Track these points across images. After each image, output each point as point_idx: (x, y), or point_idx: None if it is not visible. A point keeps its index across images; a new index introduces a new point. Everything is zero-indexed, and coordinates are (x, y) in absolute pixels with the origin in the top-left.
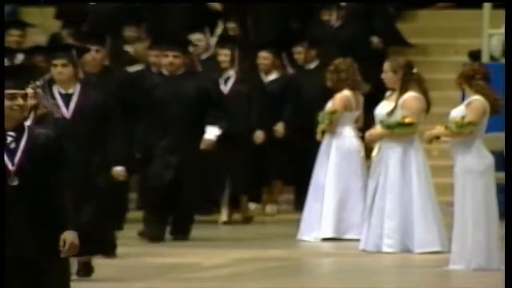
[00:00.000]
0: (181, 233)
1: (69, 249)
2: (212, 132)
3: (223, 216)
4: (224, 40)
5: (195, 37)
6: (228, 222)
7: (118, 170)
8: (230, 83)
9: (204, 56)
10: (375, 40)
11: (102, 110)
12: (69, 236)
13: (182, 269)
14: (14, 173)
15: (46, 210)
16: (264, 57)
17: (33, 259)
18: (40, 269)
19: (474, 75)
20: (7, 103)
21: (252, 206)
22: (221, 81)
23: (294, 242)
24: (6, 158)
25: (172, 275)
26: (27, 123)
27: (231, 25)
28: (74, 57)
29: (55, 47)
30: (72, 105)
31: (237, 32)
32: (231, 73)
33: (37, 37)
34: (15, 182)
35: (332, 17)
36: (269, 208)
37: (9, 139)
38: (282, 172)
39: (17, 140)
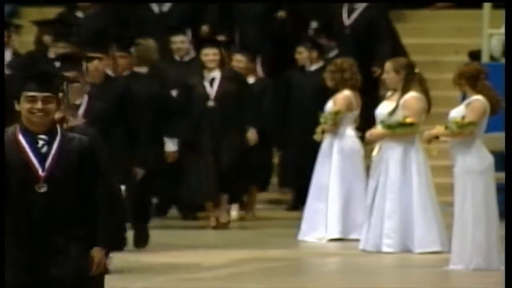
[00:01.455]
0: (143, 242)
1: (97, 268)
2: (171, 144)
3: (212, 221)
4: (211, 40)
5: (178, 39)
6: (216, 227)
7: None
8: (216, 83)
9: (186, 59)
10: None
11: (105, 123)
12: (97, 255)
13: (182, 269)
14: (43, 179)
15: (76, 221)
16: (238, 60)
17: (57, 277)
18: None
19: (479, 75)
20: (26, 105)
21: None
22: (206, 82)
23: (294, 242)
24: (36, 163)
25: (172, 275)
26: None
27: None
28: (82, 69)
29: (64, 58)
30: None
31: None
32: (217, 74)
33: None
34: (43, 189)
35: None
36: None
37: (41, 142)
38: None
39: (49, 144)
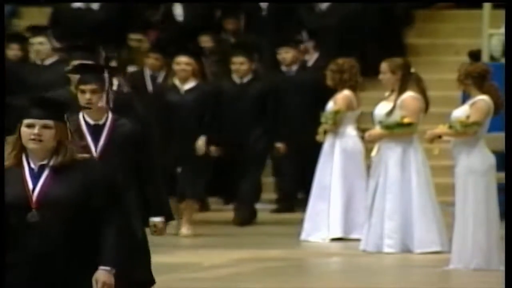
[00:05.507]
0: None
1: None
2: None
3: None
4: (80, 47)
5: (37, 40)
6: None
7: (157, 221)
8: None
9: (48, 62)
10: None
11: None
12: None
13: (182, 269)
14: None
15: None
16: (185, 62)
17: None
18: None
19: (486, 75)
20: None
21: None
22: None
23: (294, 242)
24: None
25: (172, 275)
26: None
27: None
28: (106, 80)
29: (83, 68)
30: (102, 140)
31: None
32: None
33: None
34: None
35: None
36: (184, 229)
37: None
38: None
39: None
